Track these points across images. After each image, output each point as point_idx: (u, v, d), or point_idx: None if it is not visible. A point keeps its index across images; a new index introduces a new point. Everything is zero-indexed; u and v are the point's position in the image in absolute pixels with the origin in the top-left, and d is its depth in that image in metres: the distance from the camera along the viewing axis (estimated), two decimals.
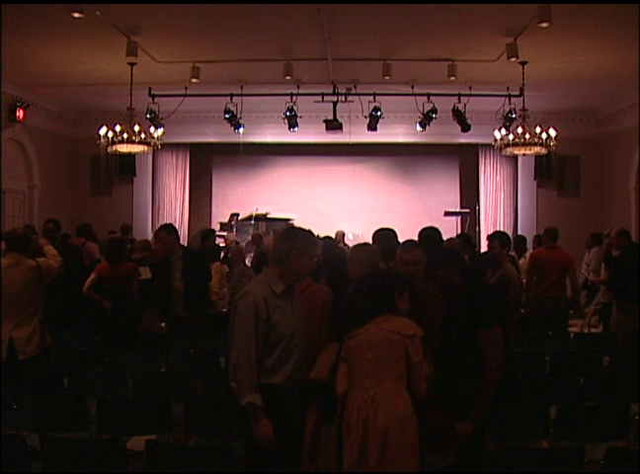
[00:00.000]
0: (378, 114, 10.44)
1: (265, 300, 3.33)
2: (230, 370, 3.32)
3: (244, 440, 3.47)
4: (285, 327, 3.37)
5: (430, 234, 5.07)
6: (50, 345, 5.16)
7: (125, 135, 9.10)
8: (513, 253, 8.72)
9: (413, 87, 9.95)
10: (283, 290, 3.42)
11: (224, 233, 12.35)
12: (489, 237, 7.06)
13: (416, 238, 4.89)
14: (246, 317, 3.30)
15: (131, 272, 6.81)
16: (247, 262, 10.05)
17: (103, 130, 9.20)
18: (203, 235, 9.68)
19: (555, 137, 9.64)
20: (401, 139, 13.02)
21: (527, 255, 8.27)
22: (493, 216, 13.90)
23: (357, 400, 3.29)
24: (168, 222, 9.06)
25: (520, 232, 12.44)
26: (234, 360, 3.29)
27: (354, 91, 10.16)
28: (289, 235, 3.53)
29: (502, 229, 12.19)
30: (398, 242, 4.96)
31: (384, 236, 5.00)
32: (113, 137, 9.11)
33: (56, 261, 5.20)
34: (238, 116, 10.43)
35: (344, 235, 12.04)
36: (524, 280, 7.62)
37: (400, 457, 3.20)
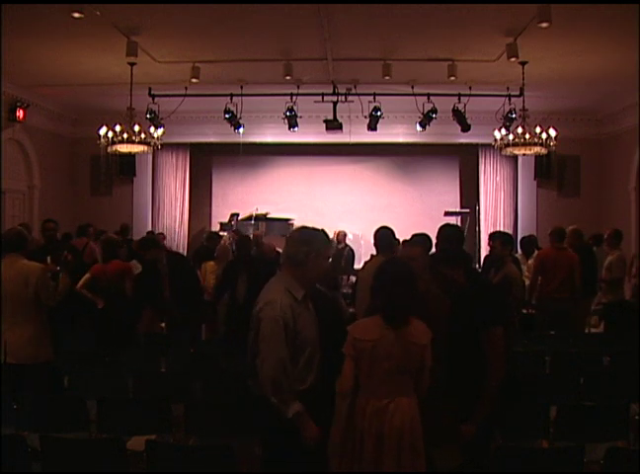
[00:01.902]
0: (378, 114, 10.44)
1: (291, 308, 3.23)
2: (267, 386, 3.16)
3: (265, 445, 3.44)
4: (308, 333, 3.31)
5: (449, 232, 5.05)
6: (51, 359, 5.00)
7: (125, 135, 9.10)
8: (519, 254, 8.69)
9: (413, 87, 9.95)
10: (303, 296, 3.34)
11: (224, 233, 12.38)
12: (490, 237, 7.05)
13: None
14: (276, 328, 3.18)
15: (121, 270, 6.77)
16: None
17: (103, 130, 9.20)
18: (209, 236, 9.88)
19: (555, 137, 9.64)
20: (401, 139, 13.02)
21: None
22: (493, 216, 13.90)
23: (369, 407, 3.27)
24: (146, 237, 9.15)
25: (520, 232, 12.43)
26: (270, 375, 3.14)
27: (354, 91, 10.16)
28: (306, 238, 3.39)
29: (502, 229, 12.23)
30: (396, 240, 5.46)
31: (384, 235, 5.39)
32: (113, 137, 9.11)
33: (62, 288, 5.06)
34: (238, 116, 10.43)
35: (345, 235, 12.04)
36: (529, 281, 7.60)
37: (413, 458, 3.22)
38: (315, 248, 3.34)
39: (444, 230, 4.75)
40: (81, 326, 6.86)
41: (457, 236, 4.67)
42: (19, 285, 4.78)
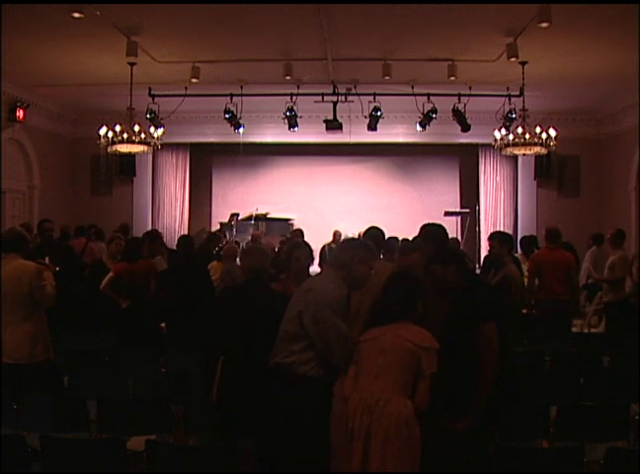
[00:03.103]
0: (378, 114, 10.45)
1: (343, 298, 3.58)
2: (342, 363, 3.48)
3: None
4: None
5: (433, 231, 4.98)
6: (50, 359, 4.95)
7: (125, 135, 9.11)
8: (519, 254, 8.70)
9: (413, 87, 9.95)
10: (347, 294, 3.65)
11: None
12: (489, 237, 7.05)
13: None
14: (335, 307, 3.49)
15: (147, 270, 6.68)
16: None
17: (103, 130, 9.21)
18: (210, 238, 9.89)
19: (555, 137, 9.65)
20: (401, 139, 13.03)
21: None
22: (493, 216, 13.90)
23: (360, 403, 3.28)
24: (152, 229, 9.14)
25: (520, 232, 12.43)
26: (343, 352, 3.46)
27: (354, 91, 10.16)
28: (352, 244, 3.92)
29: (502, 229, 12.23)
30: (384, 239, 5.37)
31: (373, 235, 5.27)
32: (113, 137, 9.12)
33: (51, 288, 4.93)
34: (238, 116, 10.44)
35: (340, 236, 11.99)
36: (526, 282, 7.58)
37: (399, 463, 3.21)
38: (358, 253, 3.66)
39: (427, 229, 4.73)
40: (104, 326, 6.79)
41: (440, 234, 4.67)
42: (14, 285, 4.77)
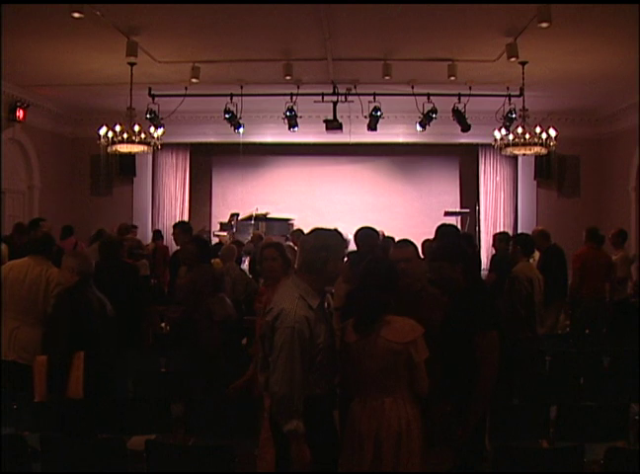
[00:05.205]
0: (378, 114, 10.45)
1: (307, 319, 3.09)
2: (273, 399, 3.10)
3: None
4: (322, 340, 3.18)
5: (444, 231, 5.09)
6: None
7: (125, 135, 9.11)
8: None
9: (413, 87, 9.95)
10: (319, 304, 3.21)
11: (223, 233, 12.39)
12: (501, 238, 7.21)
13: (415, 238, 4.92)
14: (290, 342, 3.05)
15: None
16: (246, 263, 10.11)
17: (103, 130, 9.21)
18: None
19: (555, 137, 9.65)
20: (401, 139, 13.02)
21: (535, 256, 8.14)
22: (493, 216, 13.90)
23: (364, 409, 3.26)
24: (184, 220, 9.06)
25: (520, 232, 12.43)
26: (277, 389, 3.05)
27: (354, 91, 10.16)
28: (324, 243, 3.22)
29: (502, 229, 12.26)
30: (378, 239, 5.27)
31: (364, 235, 5.09)
32: (113, 137, 9.12)
33: None
34: (238, 116, 10.43)
35: None
36: (571, 281, 7.75)
37: (409, 457, 3.22)
38: (333, 252, 3.21)
39: (442, 228, 4.84)
40: None
41: (453, 233, 4.75)
42: (38, 287, 4.79)
